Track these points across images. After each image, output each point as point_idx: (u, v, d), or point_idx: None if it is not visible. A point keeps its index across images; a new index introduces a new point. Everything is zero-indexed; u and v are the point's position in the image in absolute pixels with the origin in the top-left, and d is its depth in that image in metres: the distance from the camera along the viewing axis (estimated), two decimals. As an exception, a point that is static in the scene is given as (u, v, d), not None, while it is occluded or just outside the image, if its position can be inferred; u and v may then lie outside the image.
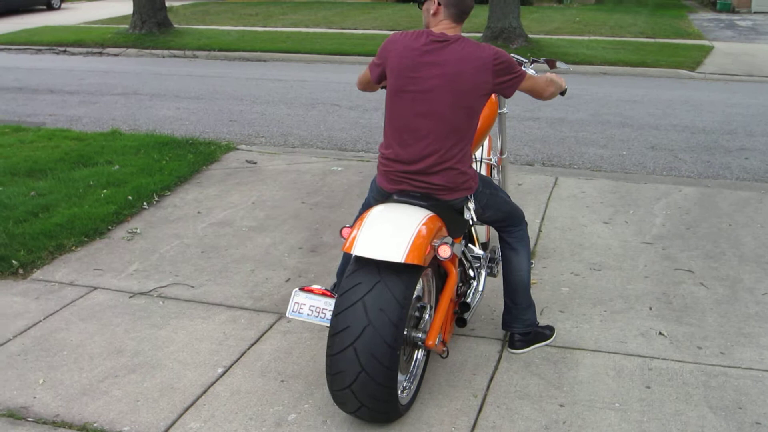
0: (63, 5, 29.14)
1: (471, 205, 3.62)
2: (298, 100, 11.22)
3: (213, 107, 10.73)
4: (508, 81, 3.42)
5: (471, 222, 3.70)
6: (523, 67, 3.65)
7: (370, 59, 3.63)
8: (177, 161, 7.27)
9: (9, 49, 17.76)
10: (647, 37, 18.73)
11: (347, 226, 3.31)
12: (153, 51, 16.88)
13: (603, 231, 5.68)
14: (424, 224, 3.21)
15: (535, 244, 5.38)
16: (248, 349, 3.97)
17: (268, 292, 4.64)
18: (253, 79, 13.30)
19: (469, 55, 3.33)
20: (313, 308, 3.43)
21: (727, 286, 4.73)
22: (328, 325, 3.21)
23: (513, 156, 8.15)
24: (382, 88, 3.72)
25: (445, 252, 3.21)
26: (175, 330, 4.17)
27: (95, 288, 4.69)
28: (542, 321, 4.24)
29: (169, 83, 12.76)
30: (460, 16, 3.45)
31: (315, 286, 3.49)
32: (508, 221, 3.85)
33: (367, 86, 3.83)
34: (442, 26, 3.45)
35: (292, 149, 8.25)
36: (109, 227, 5.70)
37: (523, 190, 6.63)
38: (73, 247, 5.31)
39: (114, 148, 7.69)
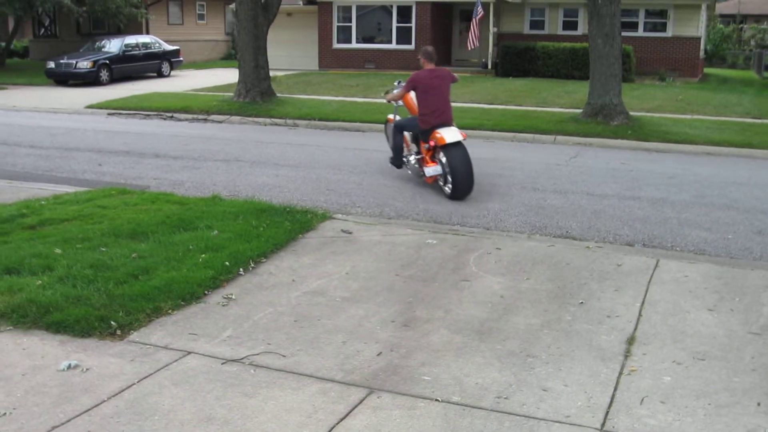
0: (172, 73, 30.51)
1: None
2: (394, 171, 11.29)
3: (311, 175, 10.91)
4: (454, 80, 9.97)
5: None
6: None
7: (466, 132, 10.12)
8: (274, 228, 7.36)
9: (120, 114, 18.61)
10: (753, 118, 18.27)
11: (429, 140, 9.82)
12: (255, 119, 17.40)
13: (707, 318, 5.43)
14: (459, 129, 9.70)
15: (635, 329, 5.18)
16: (337, 423, 3.91)
17: (359, 365, 4.58)
18: (351, 149, 13.51)
19: (446, 74, 9.91)
20: (433, 168, 9.62)
21: None
22: (441, 173, 9.60)
23: (612, 236, 7.96)
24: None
25: (463, 137, 9.54)
26: (265, 400, 4.15)
27: (189, 353, 4.74)
28: (641, 412, 4.05)
29: (270, 151, 13.08)
30: (431, 60, 9.87)
31: (429, 163, 9.87)
32: None
33: (398, 98, 10.43)
34: (428, 66, 9.85)
35: (387, 220, 8.27)
36: (206, 292, 5.77)
37: (623, 271, 6.44)
38: (170, 311, 5.39)
39: (214, 213, 7.85)
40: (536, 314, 5.40)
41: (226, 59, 39.50)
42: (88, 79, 26.12)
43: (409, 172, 10.64)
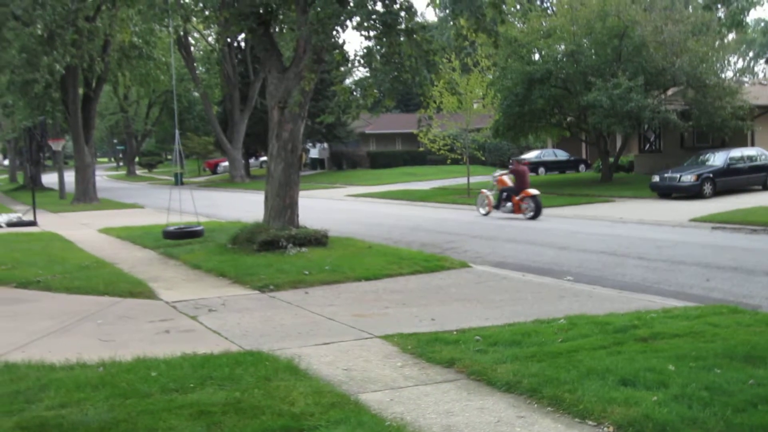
0: (781, 185, 28.85)
1: None
2: None
3: None
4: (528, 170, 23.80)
5: None
6: None
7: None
8: None
9: (724, 228, 18.12)
10: None
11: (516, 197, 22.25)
12: None
13: None
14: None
15: None
16: None
17: None
18: None
19: (527, 167, 23.81)
20: (526, 206, 22.00)
21: None
22: (529, 207, 21.90)
23: None
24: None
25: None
26: None
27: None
28: None
29: None
30: (520, 162, 23.59)
31: (522, 202, 22.15)
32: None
33: (503, 178, 23.13)
34: (518, 166, 23.09)
35: None
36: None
37: None
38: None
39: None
40: None
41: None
42: (691, 193, 26.17)
43: (500, 212, 22.62)
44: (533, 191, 21.95)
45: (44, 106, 32.36)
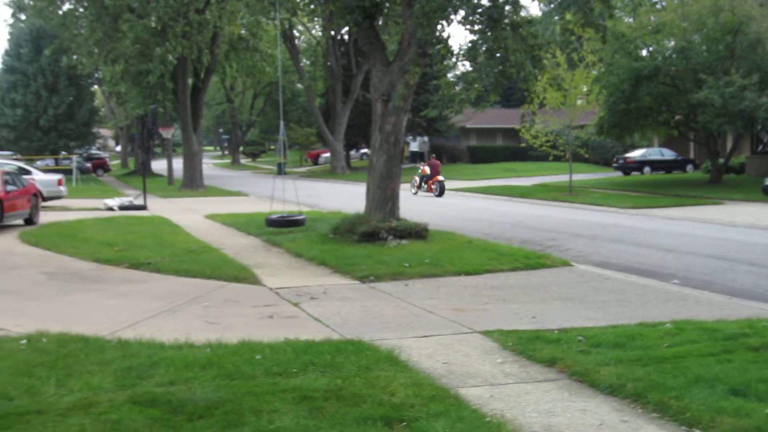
0: None
1: None
2: None
3: None
4: (440, 164, 33.04)
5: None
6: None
7: None
8: None
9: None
10: None
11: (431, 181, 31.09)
12: None
13: None
14: None
15: None
16: None
17: None
18: None
19: (438, 162, 33.07)
20: (435, 187, 31.00)
21: None
22: (436, 188, 30.76)
23: None
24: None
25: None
26: None
27: None
28: None
29: None
30: (434, 159, 33.76)
31: (431, 185, 31.11)
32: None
33: (424, 170, 32.22)
34: (433, 161, 33.16)
35: None
36: None
37: None
38: None
39: None
40: None
41: None
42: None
43: (421, 191, 31.30)
44: (440, 178, 30.85)
45: (155, 95, 33.45)
